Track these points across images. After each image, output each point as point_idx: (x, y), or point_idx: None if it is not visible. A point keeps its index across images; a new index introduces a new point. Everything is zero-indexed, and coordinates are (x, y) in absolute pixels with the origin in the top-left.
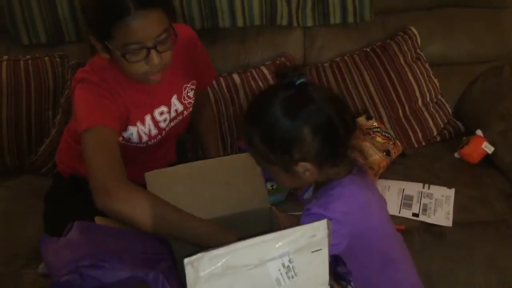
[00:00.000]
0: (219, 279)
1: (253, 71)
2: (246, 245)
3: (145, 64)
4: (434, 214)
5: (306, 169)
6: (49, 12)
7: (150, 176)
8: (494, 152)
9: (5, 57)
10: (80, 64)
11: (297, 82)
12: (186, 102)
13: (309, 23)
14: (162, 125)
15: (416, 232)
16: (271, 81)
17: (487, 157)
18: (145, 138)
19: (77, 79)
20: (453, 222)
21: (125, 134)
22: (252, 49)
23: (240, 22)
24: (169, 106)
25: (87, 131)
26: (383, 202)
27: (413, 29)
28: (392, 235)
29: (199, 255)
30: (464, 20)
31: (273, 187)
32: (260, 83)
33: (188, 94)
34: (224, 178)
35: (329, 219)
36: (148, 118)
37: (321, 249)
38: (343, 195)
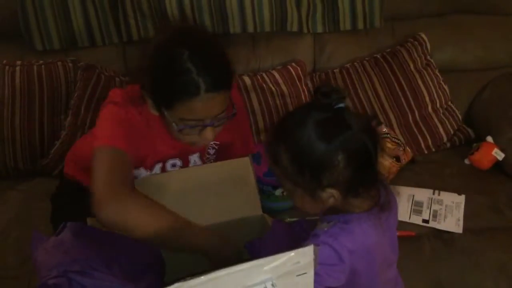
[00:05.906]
0: None
1: (264, 74)
2: (226, 272)
3: (197, 135)
4: (444, 221)
5: (331, 196)
6: (62, 18)
7: (139, 183)
8: (504, 158)
9: (19, 62)
10: (89, 66)
11: (336, 106)
12: (204, 158)
13: (319, 29)
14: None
15: (426, 239)
16: (282, 85)
17: (497, 164)
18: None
19: (112, 100)
20: (464, 229)
21: None
22: (263, 55)
23: (250, 28)
24: (185, 161)
25: (107, 147)
26: (392, 242)
27: (423, 36)
28: (381, 284)
29: (176, 285)
30: (474, 27)
31: (284, 193)
32: (271, 86)
33: (208, 151)
34: (216, 185)
35: (336, 251)
36: (158, 166)
37: (306, 273)
38: (355, 232)
